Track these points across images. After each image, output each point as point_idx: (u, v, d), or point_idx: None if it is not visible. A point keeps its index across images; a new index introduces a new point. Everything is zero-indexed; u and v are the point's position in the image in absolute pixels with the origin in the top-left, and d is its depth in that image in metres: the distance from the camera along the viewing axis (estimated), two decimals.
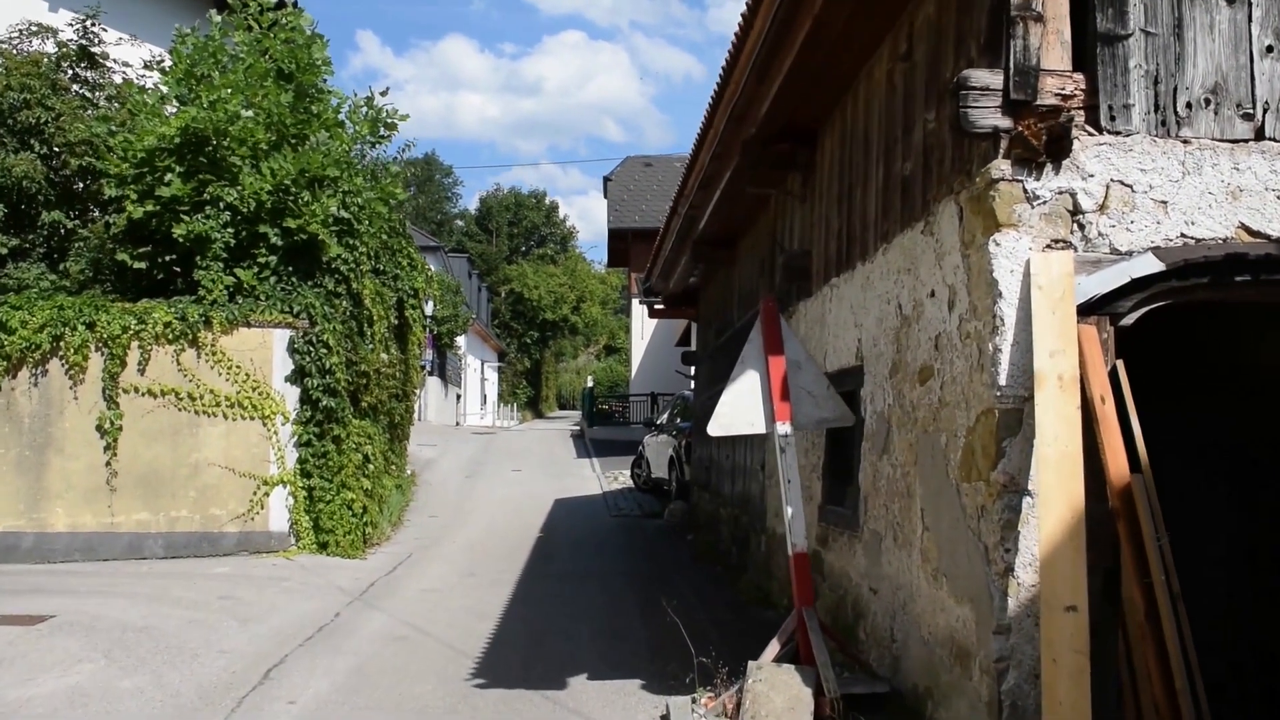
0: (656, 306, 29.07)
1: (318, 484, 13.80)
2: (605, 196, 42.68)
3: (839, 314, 8.14)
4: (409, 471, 23.36)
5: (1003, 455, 5.02)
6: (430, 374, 42.65)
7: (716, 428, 6.51)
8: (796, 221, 10.24)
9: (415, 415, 40.90)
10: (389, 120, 16.02)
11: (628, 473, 25.44)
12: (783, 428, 6.42)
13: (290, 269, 14.26)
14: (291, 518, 13.81)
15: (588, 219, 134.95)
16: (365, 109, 15.94)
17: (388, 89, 15.90)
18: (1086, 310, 5.02)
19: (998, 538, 5.00)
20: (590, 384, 53.28)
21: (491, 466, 27.12)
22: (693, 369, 18.90)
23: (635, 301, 38.64)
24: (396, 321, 17.48)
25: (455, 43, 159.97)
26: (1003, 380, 5.01)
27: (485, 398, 61.45)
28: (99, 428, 13.35)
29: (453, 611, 10.36)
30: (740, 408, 6.52)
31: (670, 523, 17.80)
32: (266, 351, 13.86)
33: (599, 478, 25.48)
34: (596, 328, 75.96)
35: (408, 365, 18.89)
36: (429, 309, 41.74)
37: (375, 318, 15.75)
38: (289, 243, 14.11)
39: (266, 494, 13.74)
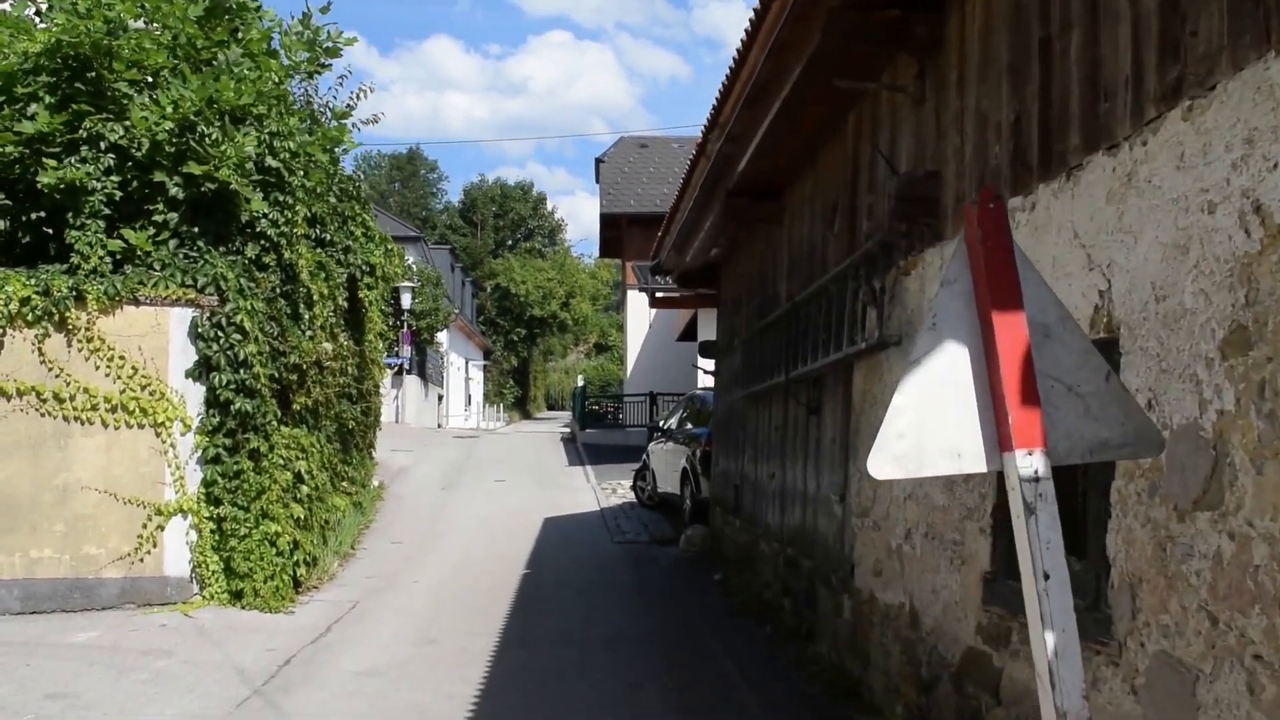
0: (659, 295, 25.81)
1: (230, 513, 10.35)
2: (597, 180, 39.45)
3: (1040, 255, 4.75)
4: (376, 483, 20.01)
5: None
6: (409, 372, 39.28)
7: (888, 465, 3.12)
8: (906, 133, 6.87)
9: (393, 416, 37.64)
10: (330, 44, 12.58)
11: (628, 484, 22.02)
12: (1028, 461, 3.04)
13: (196, 230, 10.83)
14: (194, 558, 10.40)
15: (575, 219, 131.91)
16: (301, 31, 12.49)
17: (329, 4, 12.69)
18: None
19: None
20: (581, 383, 49.85)
21: (472, 476, 23.67)
22: (712, 363, 15.50)
23: (631, 293, 35.37)
24: (347, 304, 14.05)
25: (440, 43, 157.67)
26: None
27: (470, 398, 57.96)
28: None
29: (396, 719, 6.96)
30: (932, 423, 3.13)
31: (688, 553, 14.39)
32: (161, 337, 10.42)
33: (594, 489, 22.04)
34: (586, 324, 72.49)
35: (364, 358, 15.47)
36: (406, 301, 38.59)
37: (315, 297, 12.33)
38: (193, 194, 10.67)
39: (160, 527, 10.32)
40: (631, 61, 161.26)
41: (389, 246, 15.80)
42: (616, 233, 38.59)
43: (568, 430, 39.87)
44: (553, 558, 14.07)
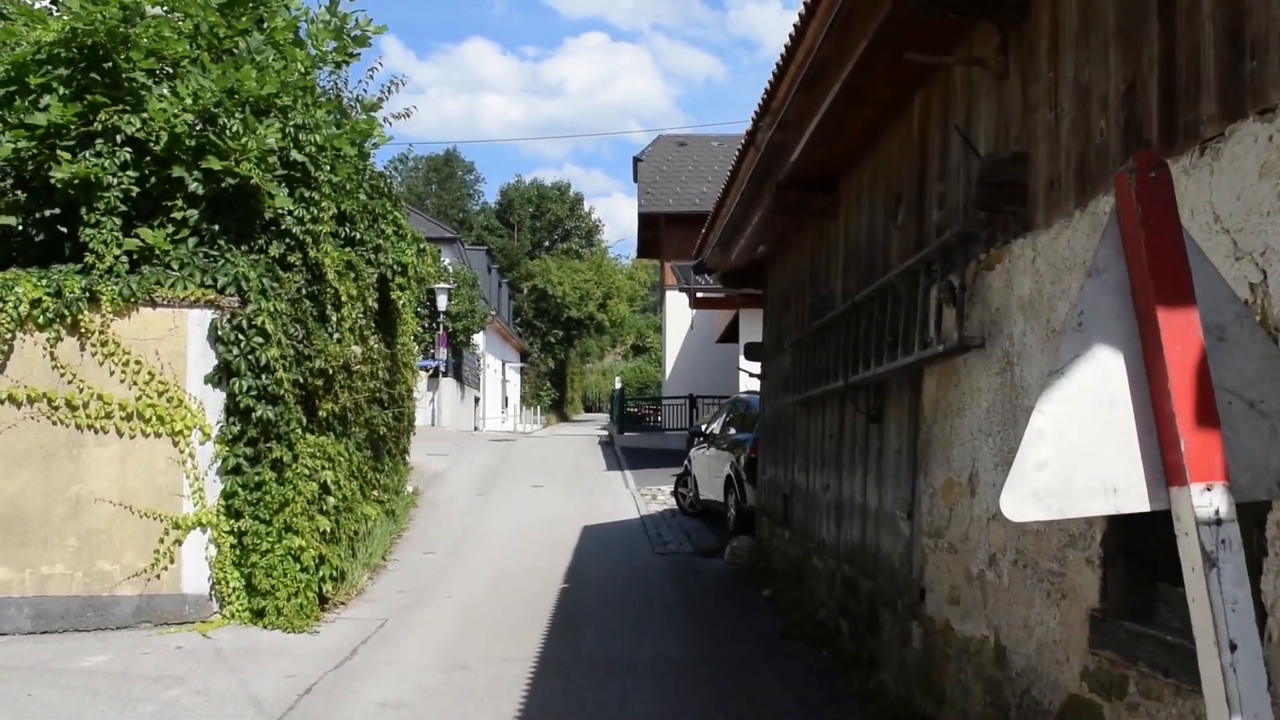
0: (699, 295, 25.19)
1: (251, 527, 9.80)
2: (635, 180, 38.79)
3: None
4: (410, 489, 19.49)
5: None
6: (445, 375, 38.80)
7: (1028, 505, 2.44)
8: (985, 112, 6.17)
9: (429, 420, 37.17)
10: (359, 32, 12.01)
11: (667, 489, 21.38)
12: (1206, 499, 2.38)
13: (216, 228, 10.30)
14: (213, 575, 9.85)
15: (612, 221, 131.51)
16: (329, 19, 11.94)
17: None
18: None
19: None
20: (619, 385, 49.26)
21: (508, 481, 23.09)
22: (758, 366, 14.81)
23: (670, 293, 34.80)
24: (377, 305, 13.48)
25: (477, 46, 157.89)
26: None
27: (506, 400, 57.50)
28: None
29: None
30: (1082, 450, 2.46)
31: (734, 565, 13.71)
32: (179, 341, 9.89)
33: (634, 495, 21.39)
34: (624, 326, 71.81)
35: (395, 361, 14.91)
36: (442, 303, 38.10)
37: (343, 298, 11.77)
38: (213, 190, 10.15)
39: (178, 541, 9.78)
40: (667, 63, 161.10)
41: (421, 245, 15.22)
42: (655, 232, 38.02)
43: (605, 433, 39.28)
44: (592, 570, 13.44)
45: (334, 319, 11.59)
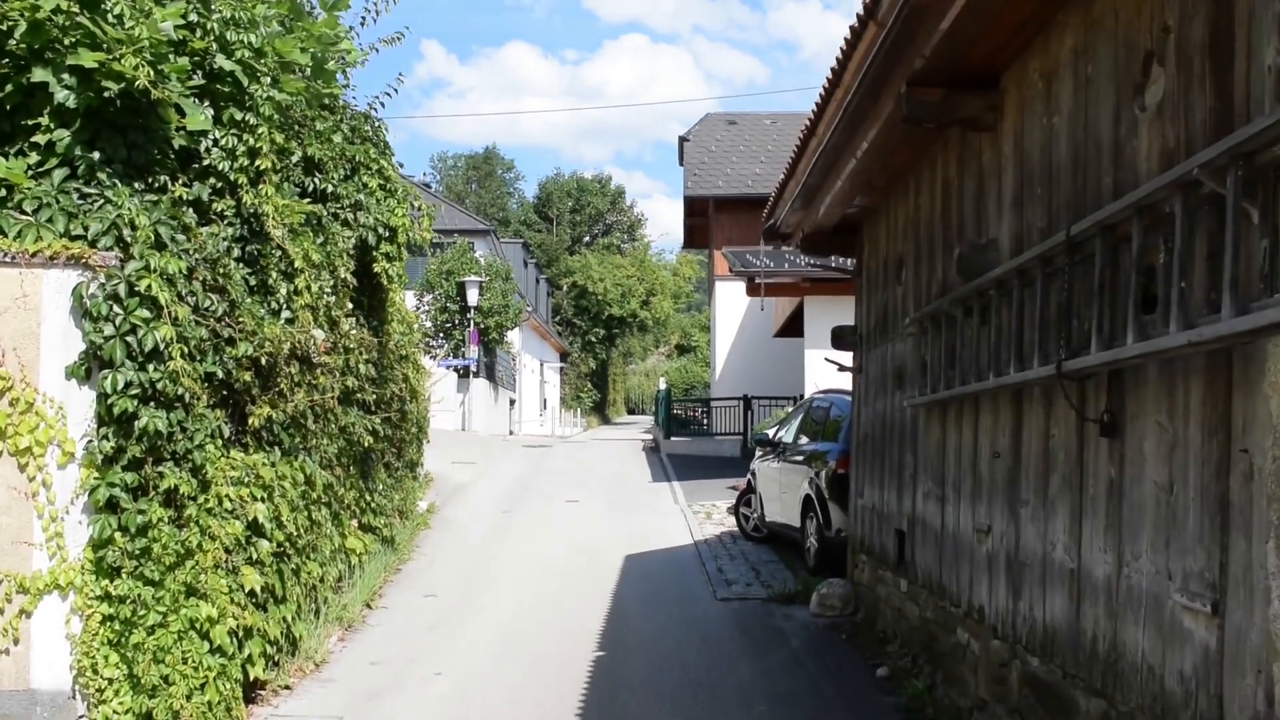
0: (758, 280, 22.03)
1: (133, 590, 6.63)
2: (680, 163, 35.60)
3: None
4: (425, 505, 16.49)
5: None
6: (476, 375, 35.71)
7: None
8: None
9: (459, 424, 34.10)
10: None
11: (723, 505, 18.19)
12: None
13: (98, 156, 7.16)
14: (78, 661, 6.68)
15: (654, 222, 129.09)
16: None
17: None
18: None
19: None
20: (665, 386, 45.99)
21: (539, 496, 19.92)
22: (850, 357, 11.52)
23: (720, 285, 31.63)
24: (355, 280, 10.28)
25: (517, 49, 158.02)
26: None
27: (545, 402, 54.35)
28: None
29: None
30: None
31: (824, 618, 10.37)
32: (29, 316, 6.73)
33: (684, 513, 18.08)
34: (668, 324, 68.47)
35: (386, 352, 11.73)
36: (473, 297, 35.02)
37: (298, 264, 8.59)
38: (90, 101, 7.01)
39: (25, 612, 6.62)
40: (708, 64, 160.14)
41: (416, 203, 11.94)
42: (703, 220, 35.06)
43: (649, 437, 36.03)
44: (636, 627, 10.19)
45: (283, 292, 8.44)
